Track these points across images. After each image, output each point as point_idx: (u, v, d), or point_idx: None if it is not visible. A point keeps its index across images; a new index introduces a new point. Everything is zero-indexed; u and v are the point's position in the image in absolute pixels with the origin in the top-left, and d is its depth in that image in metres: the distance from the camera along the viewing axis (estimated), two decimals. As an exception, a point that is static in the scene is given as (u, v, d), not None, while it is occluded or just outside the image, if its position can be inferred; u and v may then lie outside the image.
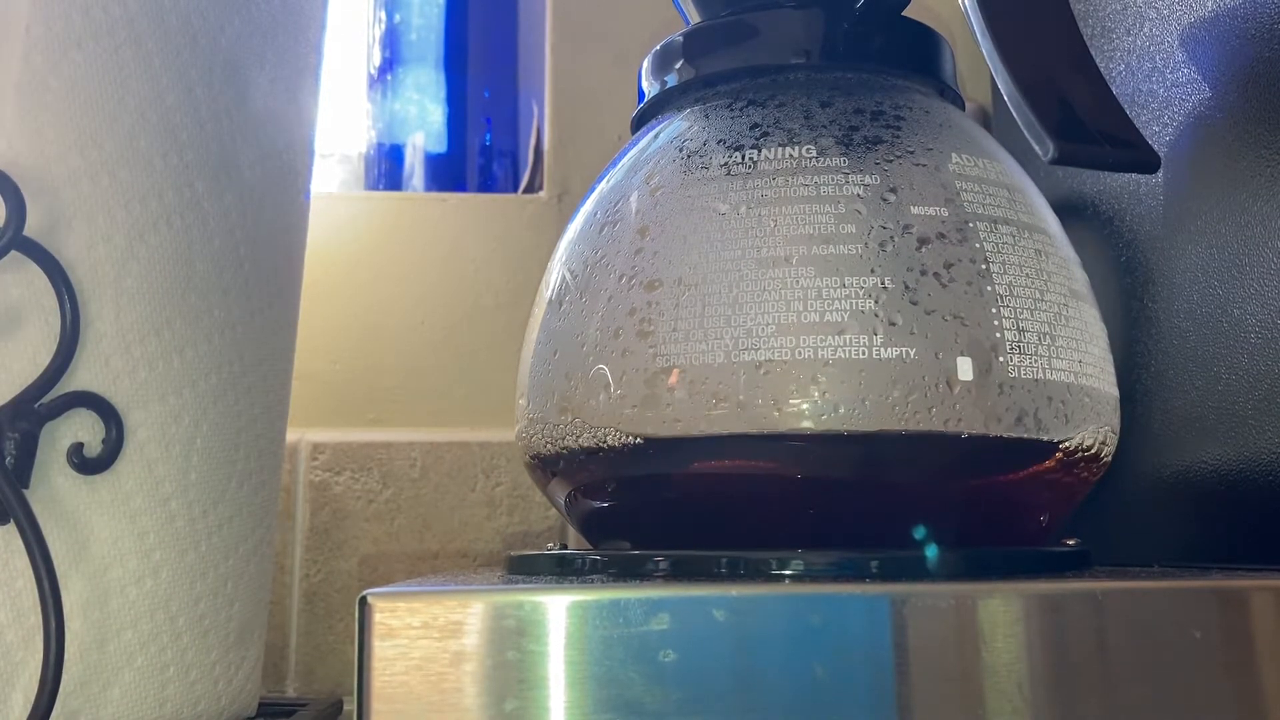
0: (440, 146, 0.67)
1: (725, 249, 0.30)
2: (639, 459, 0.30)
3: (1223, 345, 0.35)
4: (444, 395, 0.60)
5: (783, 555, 0.26)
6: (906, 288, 0.29)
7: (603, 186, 0.35)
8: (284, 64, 0.39)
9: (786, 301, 0.29)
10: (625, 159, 0.35)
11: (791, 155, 0.31)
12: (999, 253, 0.30)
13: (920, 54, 0.35)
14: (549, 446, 0.32)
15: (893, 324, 0.28)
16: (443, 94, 0.68)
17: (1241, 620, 0.24)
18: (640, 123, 0.37)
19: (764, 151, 0.31)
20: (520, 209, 0.62)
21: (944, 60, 0.36)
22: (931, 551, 0.27)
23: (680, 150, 0.33)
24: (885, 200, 0.30)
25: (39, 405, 0.30)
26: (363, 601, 0.24)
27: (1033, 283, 0.30)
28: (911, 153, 0.31)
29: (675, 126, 0.34)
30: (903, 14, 0.35)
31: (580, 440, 0.31)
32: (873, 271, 0.29)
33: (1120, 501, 0.40)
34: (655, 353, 0.29)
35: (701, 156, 0.32)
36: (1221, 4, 0.36)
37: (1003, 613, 0.23)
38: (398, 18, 0.68)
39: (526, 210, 0.62)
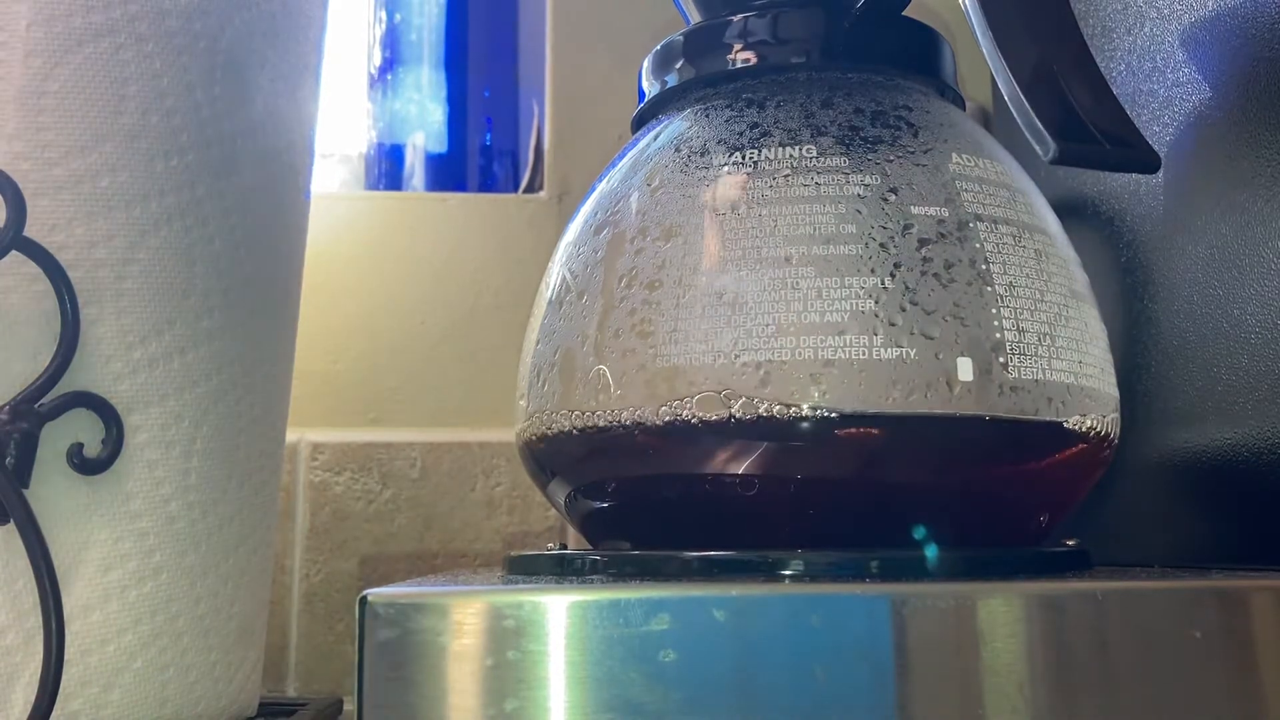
0: (440, 146, 0.67)
1: (725, 249, 0.30)
2: (639, 459, 0.30)
3: (1223, 345, 0.35)
4: (444, 395, 0.60)
5: (783, 555, 0.26)
6: (907, 288, 0.29)
7: (603, 187, 0.35)
8: (284, 64, 0.39)
9: (787, 302, 0.29)
10: (625, 159, 0.35)
11: (792, 155, 0.31)
12: (999, 253, 0.30)
13: (920, 54, 0.35)
14: (549, 447, 0.32)
15: (893, 324, 0.28)
16: (443, 94, 0.68)
17: (1241, 620, 0.24)
18: (640, 123, 0.37)
19: (764, 151, 0.31)
20: (520, 209, 0.62)
21: (944, 60, 0.36)
22: (931, 551, 0.27)
23: (680, 150, 0.33)
24: (886, 200, 0.30)
25: (39, 405, 0.30)
26: (363, 601, 0.24)
27: (1033, 283, 0.30)
28: (912, 153, 0.31)
29: (675, 127, 0.34)
30: (903, 14, 0.35)
31: (580, 440, 0.31)
32: (873, 271, 0.29)
33: (1120, 501, 0.40)
34: (655, 353, 0.29)
35: (702, 156, 0.32)
36: (1221, 4, 0.36)
37: (1003, 613, 0.23)
38: (398, 18, 0.68)
39: (526, 210, 0.62)
